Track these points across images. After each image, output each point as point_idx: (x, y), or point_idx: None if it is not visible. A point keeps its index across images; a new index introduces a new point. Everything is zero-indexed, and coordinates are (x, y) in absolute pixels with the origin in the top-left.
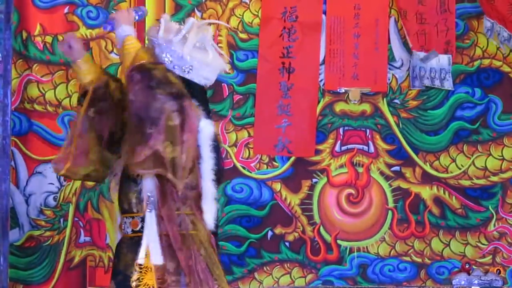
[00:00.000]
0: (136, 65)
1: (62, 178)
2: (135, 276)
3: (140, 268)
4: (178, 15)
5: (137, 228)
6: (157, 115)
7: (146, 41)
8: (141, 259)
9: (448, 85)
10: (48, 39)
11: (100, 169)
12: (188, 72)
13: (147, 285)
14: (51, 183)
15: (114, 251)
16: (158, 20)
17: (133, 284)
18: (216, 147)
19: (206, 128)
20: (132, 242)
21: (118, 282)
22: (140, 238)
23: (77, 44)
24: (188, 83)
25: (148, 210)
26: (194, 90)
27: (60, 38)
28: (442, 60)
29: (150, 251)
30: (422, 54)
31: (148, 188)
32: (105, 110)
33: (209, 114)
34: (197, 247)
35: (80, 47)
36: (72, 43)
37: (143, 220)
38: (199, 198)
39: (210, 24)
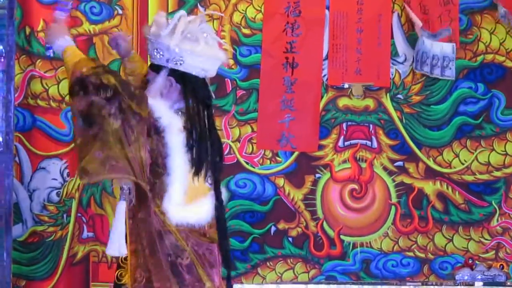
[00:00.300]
0: (72, 79)
1: (65, 174)
2: (118, 269)
3: (124, 263)
4: (181, 9)
5: None
6: (100, 121)
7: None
8: (109, 250)
9: (450, 74)
10: None
11: None
12: (180, 64)
13: (126, 281)
14: (55, 179)
15: None
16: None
17: (116, 277)
18: (216, 141)
19: (173, 123)
20: None
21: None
22: None
23: (124, 42)
24: (183, 76)
25: (122, 199)
26: (189, 82)
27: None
28: (446, 48)
29: (111, 241)
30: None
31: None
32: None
33: (209, 107)
34: (180, 244)
35: (127, 46)
36: (120, 41)
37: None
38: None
39: (210, 16)
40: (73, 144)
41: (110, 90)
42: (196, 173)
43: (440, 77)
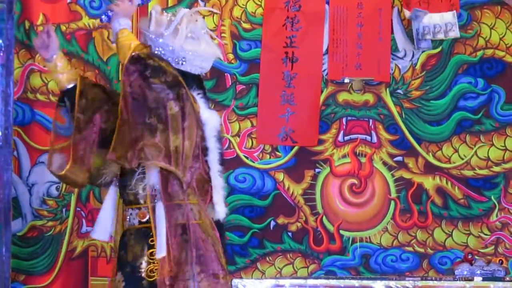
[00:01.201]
0: (130, 57)
1: None
2: (147, 266)
3: (152, 259)
4: (180, 5)
5: (145, 219)
6: (154, 105)
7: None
8: (158, 252)
9: (454, 34)
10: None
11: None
12: (182, 63)
13: (161, 275)
14: None
15: (117, 242)
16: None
17: (146, 274)
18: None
19: (211, 118)
20: (139, 233)
21: (126, 273)
22: (147, 229)
23: (54, 37)
24: (183, 73)
25: (156, 201)
26: (189, 79)
27: (39, 28)
28: (446, 16)
29: (157, 243)
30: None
31: (153, 179)
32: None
33: (206, 102)
34: (205, 236)
35: (57, 41)
36: (51, 33)
37: (151, 211)
38: (203, 187)
39: (210, 12)
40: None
41: (170, 75)
42: (222, 169)
43: (444, 38)
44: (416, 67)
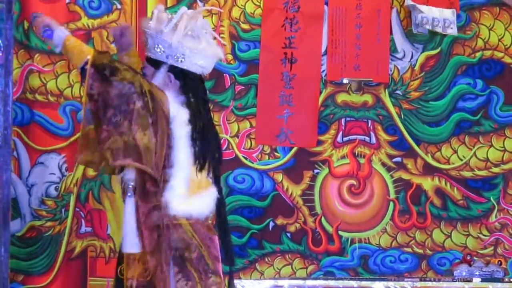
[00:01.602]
0: (88, 61)
1: (63, 168)
2: (120, 266)
3: (128, 258)
4: (180, 5)
5: None
6: (118, 102)
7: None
8: (126, 247)
9: (452, 32)
10: None
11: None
12: (181, 61)
13: (131, 276)
14: (53, 173)
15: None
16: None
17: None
18: (215, 136)
19: (179, 115)
20: None
21: (121, 268)
22: None
23: (129, 35)
24: (182, 72)
25: (128, 196)
26: (189, 78)
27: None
28: (446, 12)
29: (125, 238)
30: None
31: (128, 175)
32: None
33: (206, 102)
34: (188, 236)
35: (131, 39)
36: (126, 33)
37: None
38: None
39: (209, 12)
40: (87, 127)
41: (128, 72)
42: (201, 167)
43: (442, 32)
44: (415, 68)
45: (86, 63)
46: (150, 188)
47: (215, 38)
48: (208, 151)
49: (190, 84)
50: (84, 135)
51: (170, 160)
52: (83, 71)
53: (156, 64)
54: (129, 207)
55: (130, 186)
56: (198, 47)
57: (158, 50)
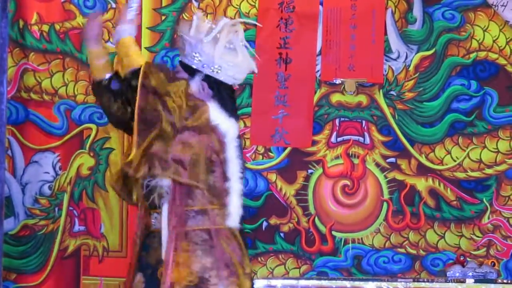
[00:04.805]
0: (139, 70)
1: (57, 167)
2: (168, 270)
3: (173, 262)
4: (174, 4)
5: (170, 223)
6: (168, 116)
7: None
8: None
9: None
10: (45, 28)
11: None
12: (217, 72)
13: (181, 279)
14: (47, 172)
15: (139, 243)
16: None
17: (166, 278)
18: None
19: (230, 129)
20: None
21: (148, 275)
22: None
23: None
24: (215, 82)
25: (162, 203)
26: (220, 88)
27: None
28: None
29: (163, 244)
30: None
31: (165, 181)
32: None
33: (235, 112)
34: (228, 240)
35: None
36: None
37: (176, 215)
38: (220, 194)
39: (204, 10)
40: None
41: (180, 86)
42: (243, 179)
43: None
44: (409, 69)
45: (136, 69)
46: (192, 194)
47: (250, 53)
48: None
49: (223, 94)
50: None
51: (227, 172)
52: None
53: (190, 70)
54: (165, 214)
55: (167, 193)
56: (235, 60)
57: (195, 58)
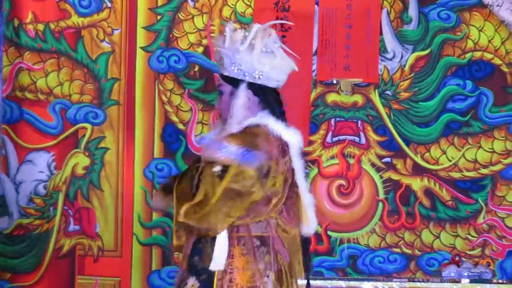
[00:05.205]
0: None
1: (52, 166)
2: (226, 276)
3: (231, 268)
4: (170, 4)
5: None
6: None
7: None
8: (212, 265)
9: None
10: (40, 27)
11: None
12: (259, 77)
13: (240, 285)
14: (41, 171)
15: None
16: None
17: (225, 284)
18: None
19: (293, 138)
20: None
21: (202, 280)
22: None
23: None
24: (260, 88)
25: None
26: (266, 93)
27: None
28: None
29: (216, 255)
30: None
31: None
32: None
33: (283, 115)
34: (282, 248)
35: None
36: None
37: None
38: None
39: (200, 10)
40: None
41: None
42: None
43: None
44: (405, 69)
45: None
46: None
47: (289, 53)
48: None
49: (269, 98)
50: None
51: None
52: None
53: (232, 81)
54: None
55: None
56: (274, 62)
57: (235, 68)
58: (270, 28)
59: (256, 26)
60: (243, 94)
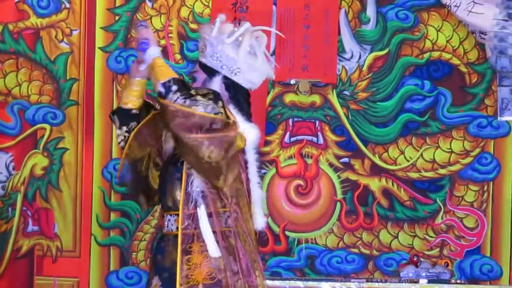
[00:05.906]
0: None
1: (11, 167)
2: (184, 272)
3: (189, 265)
4: (128, 5)
5: (183, 226)
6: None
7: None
8: (212, 252)
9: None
10: None
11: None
12: (236, 74)
13: (196, 281)
14: (0, 172)
15: (153, 247)
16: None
17: (183, 280)
18: None
19: (250, 133)
20: (177, 240)
21: (164, 278)
22: (185, 235)
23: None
24: (233, 85)
25: (198, 206)
26: (238, 91)
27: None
28: None
29: (208, 245)
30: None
31: (198, 184)
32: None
33: (250, 117)
34: (241, 243)
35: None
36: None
37: (189, 217)
38: (240, 197)
39: (158, 10)
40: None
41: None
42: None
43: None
44: (363, 69)
45: (171, 80)
46: (216, 195)
47: (269, 59)
48: None
49: (239, 97)
50: None
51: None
52: (164, 86)
53: (209, 71)
54: (204, 216)
55: (202, 195)
56: (254, 64)
57: (215, 59)
58: (262, 33)
59: (247, 24)
60: (215, 86)
